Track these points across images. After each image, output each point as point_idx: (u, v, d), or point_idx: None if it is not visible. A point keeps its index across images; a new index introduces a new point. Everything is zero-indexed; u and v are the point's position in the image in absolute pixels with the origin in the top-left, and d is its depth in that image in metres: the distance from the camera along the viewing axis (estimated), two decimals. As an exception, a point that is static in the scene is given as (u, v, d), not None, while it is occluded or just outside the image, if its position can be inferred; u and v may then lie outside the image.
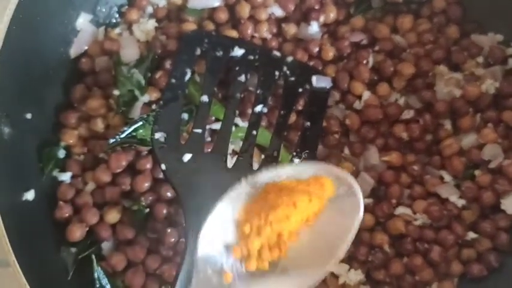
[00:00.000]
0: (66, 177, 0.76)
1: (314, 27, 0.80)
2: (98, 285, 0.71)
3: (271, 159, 0.71)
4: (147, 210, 0.74)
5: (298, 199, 0.60)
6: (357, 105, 0.79)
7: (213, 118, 0.76)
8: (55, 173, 0.75)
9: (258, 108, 0.73)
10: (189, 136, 0.70)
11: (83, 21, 0.80)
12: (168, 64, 0.78)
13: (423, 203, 0.74)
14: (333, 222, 0.62)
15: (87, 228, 0.73)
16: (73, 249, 0.72)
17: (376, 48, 0.81)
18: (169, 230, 0.73)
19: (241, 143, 0.72)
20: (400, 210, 0.75)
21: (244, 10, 0.80)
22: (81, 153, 0.77)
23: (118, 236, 0.74)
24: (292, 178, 0.62)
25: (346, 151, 0.79)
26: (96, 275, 0.71)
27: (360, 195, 0.61)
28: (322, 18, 0.81)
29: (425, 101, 0.77)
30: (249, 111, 0.74)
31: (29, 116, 0.73)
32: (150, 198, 0.74)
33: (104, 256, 0.74)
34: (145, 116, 0.74)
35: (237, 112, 0.75)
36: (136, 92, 0.76)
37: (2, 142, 0.68)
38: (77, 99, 0.78)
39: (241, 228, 0.61)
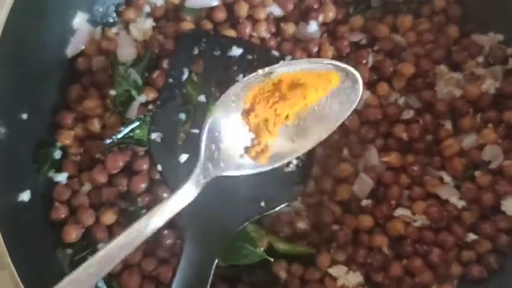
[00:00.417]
0: (62, 178, 0.75)
1: (313, 27, 0.80)
2: (93, 287, 0.71)
3: None
4: (144, 211, 0.74)
5: (309, 92, 0.63)
6: (357, 105, 0.79)
7: None
8: (51, 173, 0.75)
9: None
10: (186, 136, 0.69)
11: (80, 20, 0.79)
12: (165, 64, 0.78)
13: (423, 204, 0.73)
14: (332, 106, 0.66)
15: (83, 230, 0.72)
16: (69, 251, 0.72)
17: (376, 47, 0.80)
18: (165, 232, 0.72)
19: None
20: (400, 211, 0.74)
21: (243, 9, 0.80)
22: (78, 153, 0.77)
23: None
24: (306, 71, 0.64)
25: (346, 152, 0.78)
26: (92, 276, 0.71)
27: (361, 89, 0.65)
28: (321, 18, 0.80)
29: (425, 101, 0.77)
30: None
31: (24, 116, 0.72)
32: (147, 199, 0.74)
33: (100, 257, 0.73)
34: (142, 116, 0.74)
35: None
36: (133, 92, 0.76)
37: (-2, 142, 0.68)
38: (73, 99, 0.78)
39: (248, 117, 0.64)
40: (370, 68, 0.79)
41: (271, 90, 0.64)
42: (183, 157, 0.67)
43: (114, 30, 0.81)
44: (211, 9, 0.81)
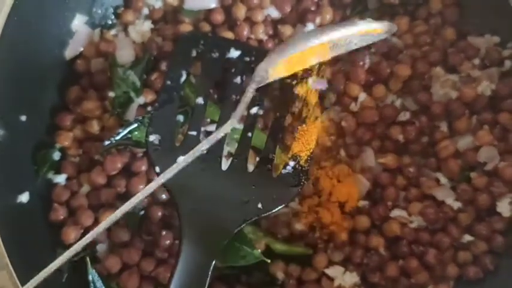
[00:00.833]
0: (61, 179, 0.75)
1: (310, 29, 0.80)
2: (92, 288, 0.71)
3: (266, 162, 0.71)
4: (142, 212, 0.74)
5: None
6: (353, 107, 0.79)
7: (208, 120, 0.76)
8: (50, 175, 0.75)
9: (254, 110, 0.73)
10: (183, 138, 0.70)
11: (79, 22, 0.79)
12: (163, 66, 0.78)
13: (419, 206, 0.74)
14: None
15: (82, 231, 0.73)
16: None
17: (373, 49, 0.80)
18: (164, 232, 0.72)
19: (236, 145, 0.72)
20: (396, 212, 0.75)
21: (241, 11, 0.80)
22: (76, 155, 0.77)
23: (113, 238, 0.73)
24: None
25: (342, 153, 0.79)
26: (90, 277, 0.71)
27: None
28: (318, 20, 0.81)
29: (422, 103, 0.77)
30: (245, 113, 0.74)
31: (23, 118, 0.73)
32: (146, 200, 0.74)
33: (98, 258, 0.73)
34: (140, 118, 0.74)
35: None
36: (132, 94, 0.76)
37: (-3, 144, 0.68)
38: (72, 101, 0.78)
39: None
40: (366, 70, 0.79)
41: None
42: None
43: (112, 32, 0.81)
44: (210, 12, 0.81)
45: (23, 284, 0.63)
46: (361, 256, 0.74)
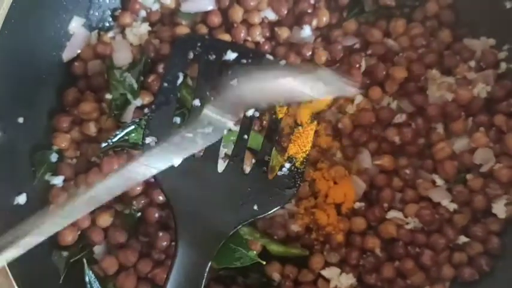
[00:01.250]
0: (58, 180, 0.75)
1: (307, 31, 0.80)
2: (89, 289, 0.71)
3: (262, 164, 0.71)
4: (139, 214, 0.75)
5: None
6: (350, 109, 0.79)
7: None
8: (47, 176, 0.75)
9: (250, 112, 0.73)
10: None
11: (76, 25, 0.80)
12: (160, 68, 0.79)
13: (415, 207, 0.74)
14: None
15: (79, 232, 0.73)
16: (64, 253, 0.72)
17: (369, 52, 0.81)
18: (161, 234, 0.73)
19: (232, 146, 0.72)
20: (392, 214, 0.75)
21: (238, 14, 0.81)
22: (74, 156, 0.77)
23: (110, 239, 0.74)
24: None
25: (339, 155, 0.79)
26: (87, 278, 0.71)
27: None
28: (314, 22, 0.81)
29: (418, 105, 0.77)
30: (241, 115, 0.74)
31: (21, 120, 0.73)
32: (142, 202, 0.74)
33: (95, 260, 0.74)
34: (137, 120, 0.74)
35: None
36: (129, 96, 0.77)
37: (-6, 146, 0.69)
38: (69, 103, 0.79)
39: None
40: (363, 72, 0.80)
41: None
42: (177, 161, 0.68)
43: (110, 34, 0.82)
44: (207, 14, 0.82)
45: (19, 285, 0.64)
46: (357, 257, 0.74)
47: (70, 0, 0.78)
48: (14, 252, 0.56)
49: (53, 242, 0.72)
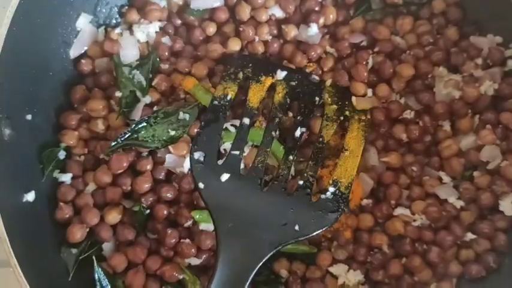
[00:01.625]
0: (66, 178, 0.76)
1: (314, 29, 0.80)
2: (98, 286, 0.71)
3: (306, 186, 0.72)
4: (148, 211, 0.75)
5: None
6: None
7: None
8: (55, 174, 0.75)
9: (298, 132, 0.74)
10: (226, 157, 0.71)
11: (83, 21, 0.80)
12: (166, 66, 0.79)
13: (422, 204, 0.74)
14: None
15: (88, 229, 0.73)
16: (74, 250, 0.72)
17: (376, 49, 0.81)
18: (169, 231, 0.73)
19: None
20: (399, 211, 0.75)
21: (245, 11, 0.81)
22: (82, 154, 0.77)
23: (118, 236, 0.74)
24: None
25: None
26: (96, 275, 0.71)
27: None
28: (322, 20, 0.81)
29: (425, 103, 0.77)
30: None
31: (29, 117, 0.73)
32: (151, 199, 0.75)
33: (104, 257, 0.74)
34: (146, 118, 0.74)
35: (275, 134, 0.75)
36: (138, 93, 0.77)
37: (3, 143, 0.69)
38: (77, 100, 0.79)
39: None
40: (370, 69, 0.80)
41: None
42: (224, 176, 0.69)
43: (117, 30, 0.81)
44: (214, 10, 0.81)
45: (29, 282, 0.64)
46: (364, 254, 0.74)
47: (77, -3, 0.78)
48: None
49: (62, 239, 0.73)
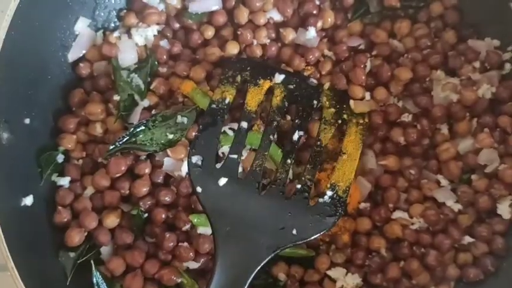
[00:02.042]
0: (65, 181, 0.76)
1: (312, 33, 0.80)
2: (96, 290, 0.71)
3: (304, 189, 0.71)
4: (146, 214, 0.75)
5: None
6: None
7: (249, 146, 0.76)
8: (54, 177, 0.75)
9: (296, 136, 0.74)
10: (224, 161, 0.71)
11: (82, 25, 0.80)
12: (164, 69, 0.79)
13: (420, 207, 0.74)
14: None
15: (86, 233, 0.73)
16: (72, 254, 0.72)
17: (374, 52, 0.81)
18: (167, 235, 0.73)
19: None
20: (397, 214, 0.75)
21: (243, 15, 0.81)
22: (80, 157, 0.78)
23: (117, 240, 0.74)
24: None
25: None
26: (94, 279, 0.71)
27: None
28: (320, 24, 0.81)
29: (422, 106, 0.77)
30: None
31: (27, 121, 0.73)
32: (149, 202, 0.75)
33: (102, 261, 0.74)
34: (145, 121, 0.74)
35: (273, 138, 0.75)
36: (136, 97, 0.77)
37: (1, 147, 0.69)
38: (75, 104, 0.79)
39: None
40: (368, 72, 0.80)
41: None
42: (222, 181, 0.69)
43: (115, 34, 0.81)
44: (212, 14, 0.82)
45: (26, 286, 0.64)
46: (363, 258, 0.74)
47: (76, 1, 0.78)
48: None
49: (60, 243, 0.73)
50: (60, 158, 0.76)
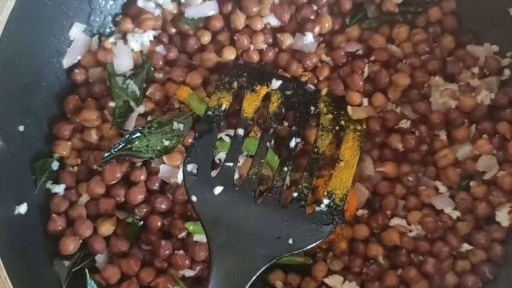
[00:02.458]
0: (59, 189, 0.75)
1: (309, 38, 0.80)
2: (91, 299, 0.71)
3: (300, 198, 0.71)
4: (141, 222, 0.74)
5: None
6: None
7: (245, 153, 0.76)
8: (48, 185, 0.75)
9: (293, 143, 0.74)
10: (220, 169, 0.70)
11: (77, 31, 0.79)
12: (160, 75, 0.78)
13: (418, 214, 0.74)
14: None
15: (81, 241, 0.72)
16: (66, 262, 0.72)
17: (372, 58, 0.81)
18: (163, 242, 0.72)
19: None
20: (395, 221, 0.75)
21: (240, 20, 0.80)
22: (75, 164, 0.77)
23: (112, 248, 0.73)
24: None
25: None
26: (89, 288, 0.71)
27: None
28: (317, 29, 0.80)
29: (421, 112, 0.77)
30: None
31: (21, 128, 0.72)
32: (145, 210, 0.74)
33: (97, 269, 0.73)
34: (140, 128, 0.74)
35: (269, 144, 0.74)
36: (132, 103, 0.76)
37: (-6, 155, 0.68)
38: (70, 110, 0.78)
39: None
40: (366, 78, 0.79)
41: None
42: (218, 189, 0.68)
43: (111, 39, 0.80)
44: (209, 19, 0.81)
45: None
46: (360, 265, 0.74)
47: (70, 7, 0.77)
48: None
49: (55, 251, 0.72)
50: (55, 165, 0.76)
